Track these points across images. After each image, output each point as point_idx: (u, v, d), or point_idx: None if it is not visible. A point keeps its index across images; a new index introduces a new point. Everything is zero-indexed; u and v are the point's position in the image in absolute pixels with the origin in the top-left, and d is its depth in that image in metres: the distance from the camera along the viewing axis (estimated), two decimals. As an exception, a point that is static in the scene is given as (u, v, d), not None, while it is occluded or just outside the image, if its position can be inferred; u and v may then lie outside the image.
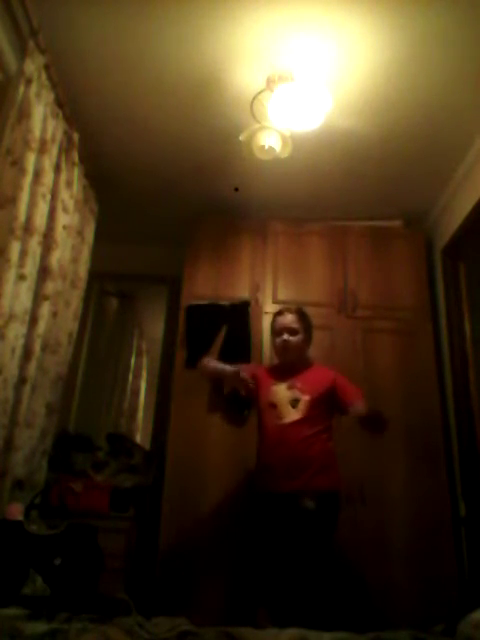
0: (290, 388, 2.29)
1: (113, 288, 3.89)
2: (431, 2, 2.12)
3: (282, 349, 2.38)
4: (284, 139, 2.56)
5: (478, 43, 2.28)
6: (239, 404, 2.74)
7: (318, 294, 3.13)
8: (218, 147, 2.93)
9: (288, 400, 2.25)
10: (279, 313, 2.45)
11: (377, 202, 3.35)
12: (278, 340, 2.38)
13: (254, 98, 2.56)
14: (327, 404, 2.27)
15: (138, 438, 3.52)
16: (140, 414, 3.74)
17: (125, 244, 3.69)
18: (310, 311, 2.47)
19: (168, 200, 3.41)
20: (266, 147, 2.53)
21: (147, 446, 3.33)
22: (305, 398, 2.24)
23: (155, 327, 3.79)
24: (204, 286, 3.13)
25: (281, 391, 2.29)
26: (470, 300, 3.06)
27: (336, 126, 2.72)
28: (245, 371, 2.34)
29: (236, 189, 3.25)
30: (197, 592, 2.44)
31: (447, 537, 2.61)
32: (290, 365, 2.38)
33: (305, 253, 3.23)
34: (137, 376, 3.85)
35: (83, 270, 2.93)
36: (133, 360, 3.87)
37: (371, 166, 3.05)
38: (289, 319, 2.39)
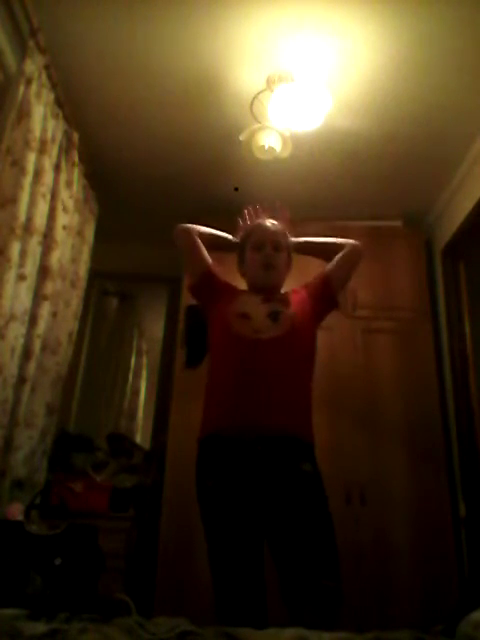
0: (267, 301, 1.74)
1: (113, 288, 3.89)
2: (432, 3, 2.13)
3: (264, 267, 1.78)
4: (284, 139, 2.56)
5: (478, 44, 2.28)
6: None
7: (318, 294, 3.13)
8: (218, 147, 2.93)
9: (266, 312, 1.70)
10: (256, 225, 1.88)
11: (377, 202, 3.34)
12: (258, 256, 1.79)
13: (254, 98, 2.56)
14: (314, 323, 1.76)
15: (138, 438, 3.51)
16: (140, 414, 3.73)
17: (125, 244, 3.68)
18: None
19: (168, 200, 3.41)
20: (266, 147, 2.53)
21: (147, 446, 3.33)
22: (288, 311, 1.70)
23: (155, 327, 3.79)
24: (204, 286, 3.11)
25: (256, 302, 1.74)
26: (470, 300, 3.05)
27: (336, 126, 2.72)
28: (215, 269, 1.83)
29: (236, 189, 3.25)
30: (197, 592, 2.44)
31: (447, 537, 2.61)
32: (263, 289, 1.80)
33: (305, 253, 3.22)
34: (137, 376, 3.84)
35: (83, 270, 2.93)
36: (133, 360, 3.86)
37: (371, 166, 3.05)
38: (275, 230, 1.83)
